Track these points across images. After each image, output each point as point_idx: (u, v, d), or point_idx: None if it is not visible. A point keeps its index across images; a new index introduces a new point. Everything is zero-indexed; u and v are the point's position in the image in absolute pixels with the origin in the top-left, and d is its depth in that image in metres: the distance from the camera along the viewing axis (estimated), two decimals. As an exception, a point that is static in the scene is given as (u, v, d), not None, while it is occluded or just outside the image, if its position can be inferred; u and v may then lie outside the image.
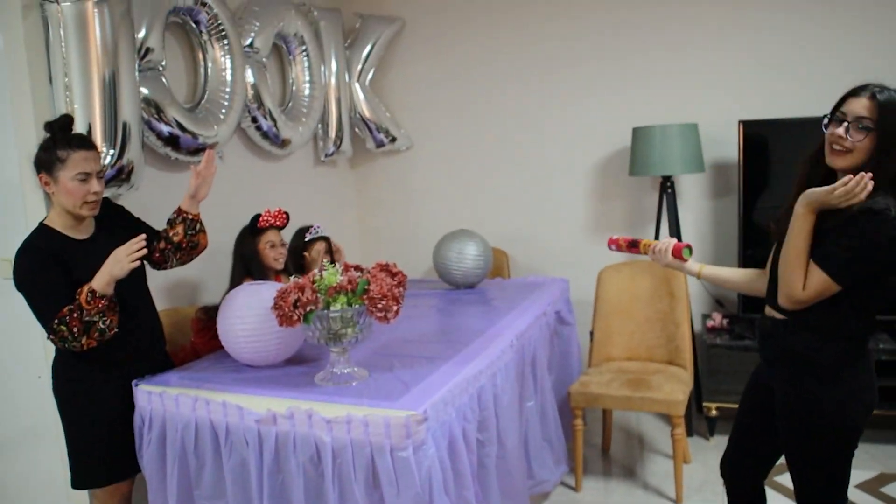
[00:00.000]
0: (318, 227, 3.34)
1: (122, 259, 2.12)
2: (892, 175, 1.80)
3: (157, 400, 2.26)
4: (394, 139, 4.44)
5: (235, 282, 2.93)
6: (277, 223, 3.05)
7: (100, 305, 2.10)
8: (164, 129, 2.94)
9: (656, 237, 3.83)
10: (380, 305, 2.09)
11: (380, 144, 4.42)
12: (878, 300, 1.88)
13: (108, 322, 2.14)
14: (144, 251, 2.16)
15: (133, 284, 2.33)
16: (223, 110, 3.22)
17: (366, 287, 2.11)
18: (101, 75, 2.54)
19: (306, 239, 3.30)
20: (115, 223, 2.40)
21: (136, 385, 2.32)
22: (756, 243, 3.62)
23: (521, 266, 4.38)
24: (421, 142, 4.53)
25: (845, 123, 1.84)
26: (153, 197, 2.92)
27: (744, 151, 3.58)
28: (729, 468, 2.30)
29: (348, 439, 1.94)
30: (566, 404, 3.19)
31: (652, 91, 4.00)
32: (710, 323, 3.78)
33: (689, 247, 2.24)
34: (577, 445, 3.16)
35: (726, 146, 3.81)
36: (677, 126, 3.54)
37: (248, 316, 2.37)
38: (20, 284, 2.14)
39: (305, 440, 2.00)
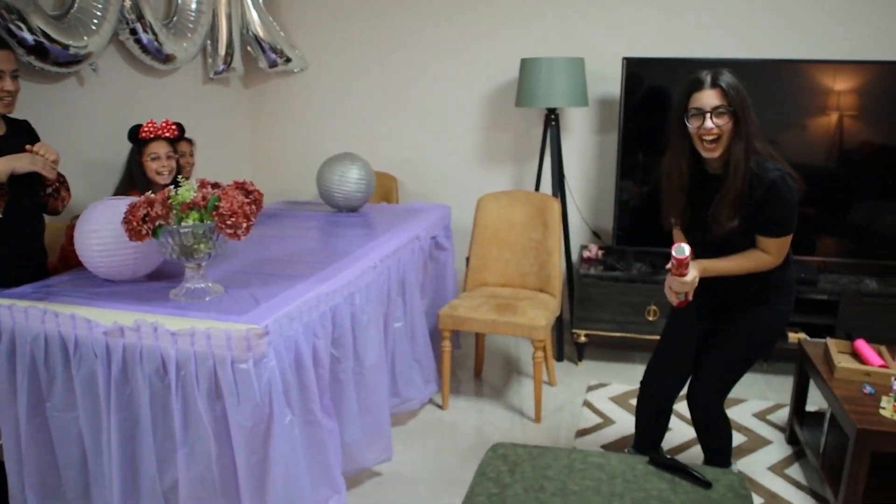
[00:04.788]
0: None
1: (30, 159, 2.31)
2: (754, 132, 2.14)
3: (6, 313, 2.23)
4: (288, 60, 4.35)
5: (119, 195, 2.89)
6: (165, 134, 2.99)
7: None
8: (27, 37, 2.81)
9: (539, 169, 3.92)
10: (229, 222, 2.10)
11: (273, 64, 4.33)
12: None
13: None
14: (54, 172, 2.39)
15: (30, 197, 2.47)
16: (95, 20, 3.09)
17: (216, 203, 2.12)
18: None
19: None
20: (22, 132, 2.52)
21: (-15, 298, 2.29)
22: (634, 178, 3.76)
23: (409, 192, 4.43)
24: (316, 64, 4.47)
25: (707, 115, 2.11)
26: (18, 105, 2.81)
27: (626, 88, 3.67)
28: (651, 387, 2.59)
29: (192, 351, 1.98)
30: (438, 327, 3.29)
31: (542, 25, 4.03)
32: (585, 254, 3.94)
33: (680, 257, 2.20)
34: (445, 366, 3.28)
35: (611, 82, 3.90)
36: (563, 59, 3.60)
37: (104, 230, 2.35)
38: None
39: (151, 352, 2.03)
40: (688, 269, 2.19)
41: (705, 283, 2.29)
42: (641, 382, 2.63)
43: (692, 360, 2.52)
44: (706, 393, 2.45)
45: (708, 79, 2.12)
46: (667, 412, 2.64)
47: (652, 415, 2.64)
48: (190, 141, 3.43)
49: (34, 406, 2.25)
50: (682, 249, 2.14)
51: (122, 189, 2.97)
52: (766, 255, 2.24)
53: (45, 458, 2.29)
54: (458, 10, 4.14)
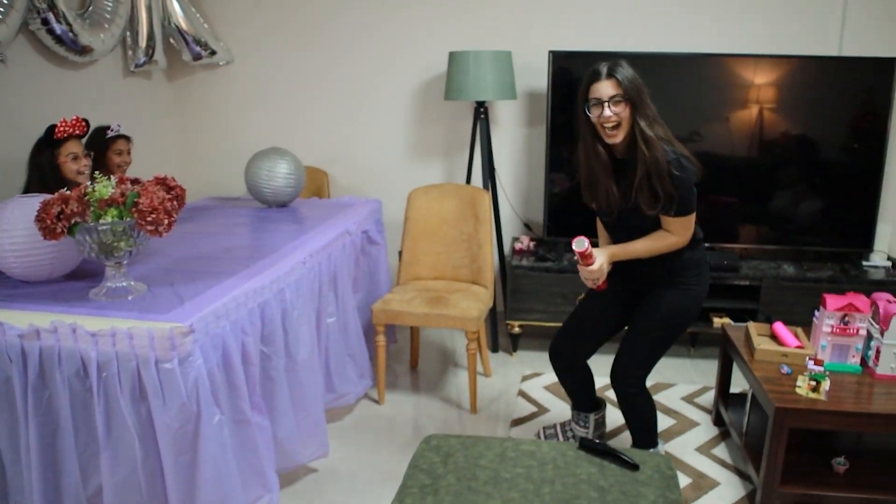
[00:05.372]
0: (118, 126, 3.24)
1: None
2: (651, 117, 2.28)
3: (-88, 317, 2.12)
4: (213, 52, 4.25)
5: None
6: (77, 132, 2.88)
7: None
8: (-72, 25, 2.67)
9: (470, 162, 3.94)
10: (150, 219, 2.04)
11: (197, 57, 4.22)
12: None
13: None
14: None
15: None
16: (1, 8, 2.95)
17: (136, 200, 2.05)
18: None
19: (107, 137, 3.20)
20: None
21: None
22: (563, 170, 3.81)
23: (340, 186, 4.39)
24: (242, 57, 4.38)
25: (605, 104, 2.25)
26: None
27: (553, 82, 3.72)
28: (560, 348, 2.70)
29: (114, 352, 1.92)
30: (371, 321, 3.27)
31: (470, 18, 4.05)
32: (517, 245, 3.97)
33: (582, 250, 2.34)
34: (380, 361, 3.27)
35: (539, 76, 3.94)
36: (491, 52, 3.61)
37: (17, 230, 2.25)
38: None
39: (71, 354, 1.96)
40: (592, 258, 2.35)
41: (619, 267, 2.49)
42: (551, 345, 2.74)
43: (603, 333, 2.68)
44: (623, 369, 2.55)
45: (604, 70, 2.26)
46: (583, 368, 2.75)
47: (568, 373, 2.74)
48: (127, 138, 3.34)
49: (-55, 415, 2.15)
50: (581, 243, 2.29)
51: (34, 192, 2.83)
52: (671, 234, 2.36)
53: (-42, 468, 2.19)
54: (386, 2, 4.11)
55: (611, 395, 3.29)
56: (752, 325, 2.92)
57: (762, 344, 2.77)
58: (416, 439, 3.01)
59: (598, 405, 2.86)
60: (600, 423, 2.86)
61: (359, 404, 3.32)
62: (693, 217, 2.35)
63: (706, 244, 2.61)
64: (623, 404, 2.60)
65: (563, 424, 2.94)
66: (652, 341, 2.52)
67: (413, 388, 3.53)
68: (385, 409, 3.29)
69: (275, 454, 2.44)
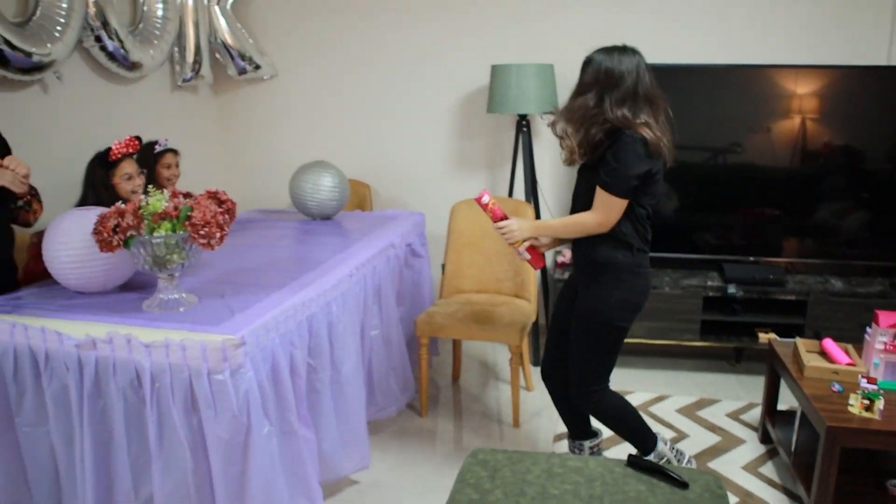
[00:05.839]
0: (165, 141, 3.33)
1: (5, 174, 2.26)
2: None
3: (-26, 327, 2.19)
4: (257, 67, 4.33)
5: None
6: (130, 150, 2.95)
7: None
8: (-12, 44, 2.76)
9: (512, 174, 3.94)
10: (202, 232, 2.08)
11: (242, 71, 4.30)
12: (644, 215, 2.34)
13: None
14: (24, 186, 2.33)
15: (1, 213, 2.43)
16: (59, 27, 3.04)
17: (189, 213, 2.09)
18: None
19: (155, 152, 3.27)
20: None
21: (-48, 312, 2.24)
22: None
23: (383, 199, 4.42)
24: (286, 71, 4.44)
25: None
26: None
27: (596, 94, 3.70)
28: (545, 365, 2.67)
29: (167, 363, 1.96)
30: (415, 334, 3.29)
31: (512, 31, 4.06)
32: (559, 259, 3.96)
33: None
34: (423, 373, 3.28)
35: (581, 88, 3.92)
36: (534, 66, 3.62)
37: (74, 241, 2.31)
38: None
39: (125, 365, 2.00)
40: (496, 213, 2.42)
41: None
42: (541, 364, 2.72)
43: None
44: (576, 387, 2.49)
45: None
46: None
47: (559, 392, 2.66)
48: (175, 152, 3.42)
49: (3, 421, 2.21)
50: (483, 195, 2.43)
51: None
52: (590, 213, 2.30)
53: (14, 473, 2.24)
54: (428, 17, 4.14)
55: (658, 411, 3.25)
56: (800, 342, 2.87)
57: (812, 361, 2.72)
58: (458, 452, 3.01)
59: (594, 433, 2.74)
60: (596, 451, 2.73)
61: (400, 416, 3.33)
62: (618, 204, 2.25)
63: (648, 253, 2.42)
64: (597, 419, 2.54)
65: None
66: (586, 351, 2.43)
67: (454, 401, 3.53)
68: (427, 422, 3.29)
69: (318, 466, 2.46)
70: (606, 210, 2.27)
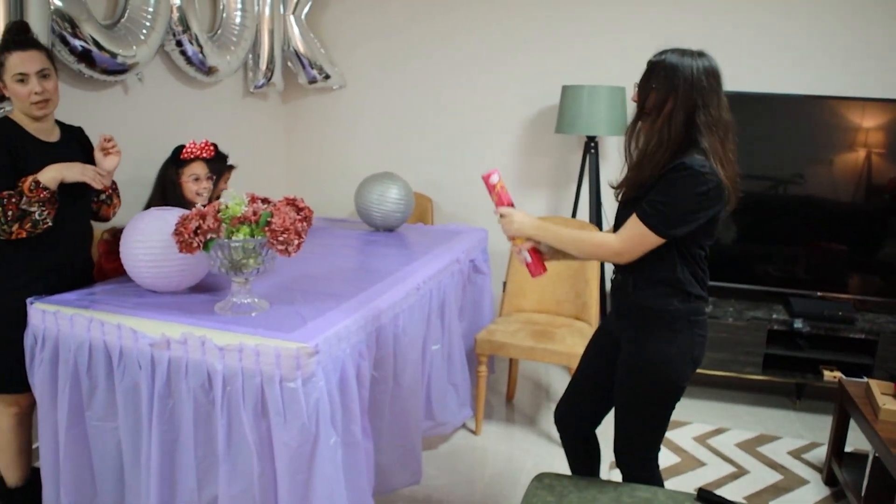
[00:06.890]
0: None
1: (80, 169, 2.29)
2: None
3: (52, 319, 2.22)
4: (327, 76, 4.38)
5: None
6: (203, 155, 2.99)
7: (41, 196, 2.22)
8: (78, 44, 2.83)
9: (577, 196, 3.91)
10: (281, 238, 2.09)
11: (312, 80, 4.35)
12: (702, 256, 1.95)
13: (44, 214, 2.25)
14: (107, 180, 2.41)
15: (79, 206, 2.47)
16: (144, 30, 3.12)
17: (268, 219, 2.11)
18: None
19: (228, 164, 3.30)
20: (76, 139, 2.52)
21: (31, 304, 2.29)
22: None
23: (444, 213, 4.42)
24: (355, 82, 4.48)
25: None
26: (63, 112, 2.83)
27: (667, 118, 3.65)
28: (564, 413, 2.30)
29: (239, 367, 1.96)
30: (475, 351, 3.26)
31: (584, 52, 4.03)
32: (620, 282, 3.90)
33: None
34: (480, 391, 3.25)
35: (652, 111, 3.87)
36: (605, 88, 3.59)
37: (151, 241, 2.34)
38: None
39: (197, 366, 2.01)
40: (501, 197, 2.07)
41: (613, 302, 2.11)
42: (555, 409, 2.34)
43: (600, 391, 2.19)
44: (623, 454, 2.16)
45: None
46: (589, 440, 2.32)
47: (576, 443, 2.32)
48: (232, 168, 3.41)
49: (74, 414, 2.24)
50: (491, 174, 2.08)
51: (154, 206, 2.94)
52: (613, 238, 1.92)
53: (81, 466, 2.27)
54: (499, 33, 4.14)
55: (715, 444, 3.17)
56: (873, 383, 2.77)
57: (888, 403, 2.62)
58: (510, 472, 2.97)
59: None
60: None
61: (455, 433, 3.31)
62: (652, 242, 1.86)
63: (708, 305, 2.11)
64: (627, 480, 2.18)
65: None
66: (638, 415, 2.05)
67: (508, 420, 3.49)
68: (480, 440, 3.26)
69: (374, 478, 2.45)
70: (635, 242, 1.88)
